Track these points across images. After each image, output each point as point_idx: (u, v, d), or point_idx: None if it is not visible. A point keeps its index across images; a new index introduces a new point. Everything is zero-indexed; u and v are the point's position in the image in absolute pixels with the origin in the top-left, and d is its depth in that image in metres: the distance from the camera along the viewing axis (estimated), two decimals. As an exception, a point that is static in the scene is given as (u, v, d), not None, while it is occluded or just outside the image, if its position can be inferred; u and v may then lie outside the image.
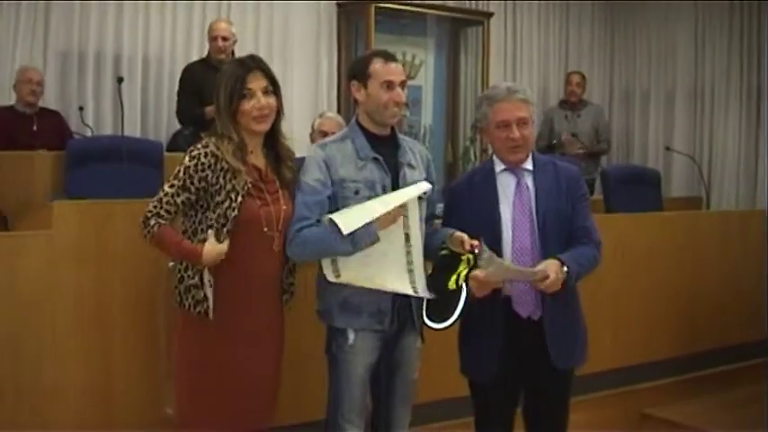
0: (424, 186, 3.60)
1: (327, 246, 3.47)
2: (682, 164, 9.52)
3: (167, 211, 3.43)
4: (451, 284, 3.47)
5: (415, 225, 3.57)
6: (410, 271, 3.55)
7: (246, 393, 3.50)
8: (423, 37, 9.33)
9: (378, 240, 3.42)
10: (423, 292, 3.55)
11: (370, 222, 3.41)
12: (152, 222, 3.42)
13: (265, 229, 3.46)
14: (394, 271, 3.52)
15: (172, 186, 3.42)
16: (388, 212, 3.44)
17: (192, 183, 3.41)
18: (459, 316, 3.52)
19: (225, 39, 7.05)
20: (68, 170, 5.70)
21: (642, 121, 10.35)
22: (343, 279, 3.49)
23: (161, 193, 3.43)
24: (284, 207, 3.52)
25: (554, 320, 3.67)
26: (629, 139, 10.47)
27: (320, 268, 3.61)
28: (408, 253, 3.55)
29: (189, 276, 3.46)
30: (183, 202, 3.43)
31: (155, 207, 3.42)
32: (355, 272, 3.48)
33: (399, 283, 3.53)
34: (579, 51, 10.57)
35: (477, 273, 3.44)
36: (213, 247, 3.40)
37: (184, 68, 7.20)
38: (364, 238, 3.41)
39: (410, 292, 3.55)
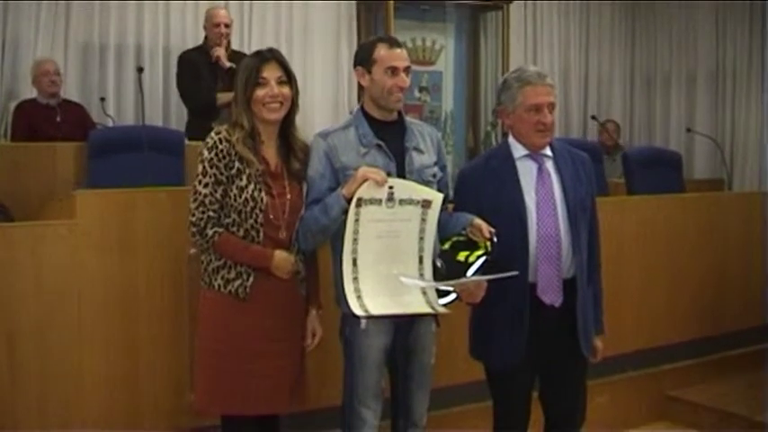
0: (439, 199, 3.56)
1: (315, 221, 3.52)
2: (704, 146, 9.46)
3: (215, 211, 3.51)
4: (460, 257, 3.46)
5: (429, 247, 3.55)
6: (424, 293, 3.54)
7: (267, 374, 3.55)
8: (442, 22, 9.28)
9: (345, 206, 3.41)
10: (440, 308, 3.53)
11: (339, 190, 3.47)
12: (209, 232, 3.50)
13: (271, 217, 3.52)
14: (410, 293, 3.50)
15: (206, 186, 3.49)
16: (355, 176, 3.44)
17: (221, 173, 3.49)
18: (459, 297, 3.52)
19: (227, 25, 6.92)
20: (90, 160, 5.72)
21: (663, 104, 10.29)
22: (373, 311, 3.43)
23: (198, 195, 3.49)
24: (289, 197, 3.58)
25: (583, 308, 3.70)
26: (651, 122, 10.43)
27: (335, 258, 3.64)
28: (421, 275, 3.54)
29: (216, 258, 3.55)
30: (222, 195, 3.50)
31: (201, 213, 3.49)
32: (374, 299, 3.45)
33: (417, 305, 3.51)
34: (600, 34, 10.51)
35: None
36: (287, 258, 3.55)
37: (180, 56, 7.06)
38: (333, 206, 3.45)
39: (428, 310, 3.52)
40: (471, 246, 3.47)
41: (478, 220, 3.51)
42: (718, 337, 6.07)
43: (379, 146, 3.64)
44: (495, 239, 3.46)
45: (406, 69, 3.68)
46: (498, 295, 3.52)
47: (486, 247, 3.45)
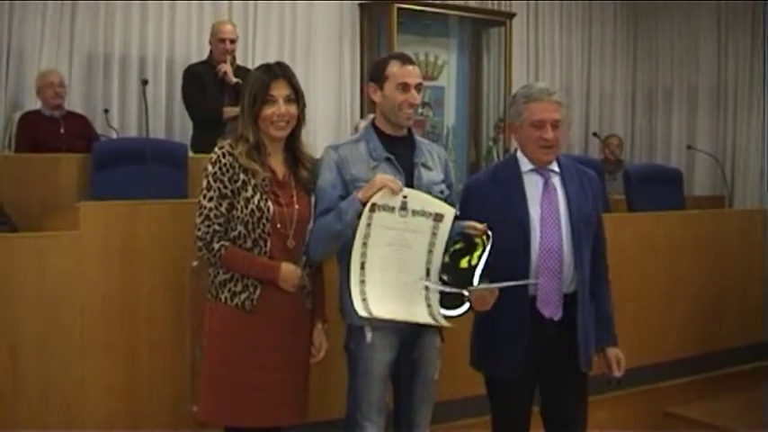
0: (451, 214, 3.59)
1: (328, 228, 3.54)
2: (704, 162, 9.50)
3: (220, 225, 3.52)
4: (463, 263, 3.49)
5: (437, 260, 3.57)
6: (428, 305, 3.56)
7: (271, 386, 3.57)
8: (445, 37, 9.35)
9: (361, 210, 3.44)
10: (443, 321, 3.56)
11: (354, 194, 3.51)
12: (216, 246, 3.51)
13: (278, 226, 3.53)
14: (415, 304, 3.53)
15: (210, 200, 3.50)
16: (372, 183, 3.48)
17: (225, 187, 3.50)
18: (471, 306, 3.54)
19: (232, 41, 6.94)
20: (94, 172, 5.74)
21: (665, 120, 10.33)
22: (376, 314, 3.47)
23: (203, 210, 3.51)
24: (297, 207, 3.59)
25: (583, 324, 3.72)
26: (652, 138, 10.46)
27: (341, 268, 3.66)
28: (426, 288, 3.55)
29: (222, 271, 3.56)
30: (227, 209, 3.52)
31: (207, 227, 3.51)
32: (378, 304, 3.48)
33: (421, 316, 3.54)
34: (602, 51, 10.57)
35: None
36: (294, 271, 3.55)
37: (186, 69, 7.09)
38: (348, 211, 3.48)
39: (432, 322, 3.56)
40: (470, 249, 3.51)
41: (470, 222, 3.55)
42: (717, 354, 6.07)
43: (388, 159, 3.67)
44: (489, 232, 3.50)
45: (418, 86, 3.71)
46: (499, 306, 3.54)
47: (483, 243, 3.49)
